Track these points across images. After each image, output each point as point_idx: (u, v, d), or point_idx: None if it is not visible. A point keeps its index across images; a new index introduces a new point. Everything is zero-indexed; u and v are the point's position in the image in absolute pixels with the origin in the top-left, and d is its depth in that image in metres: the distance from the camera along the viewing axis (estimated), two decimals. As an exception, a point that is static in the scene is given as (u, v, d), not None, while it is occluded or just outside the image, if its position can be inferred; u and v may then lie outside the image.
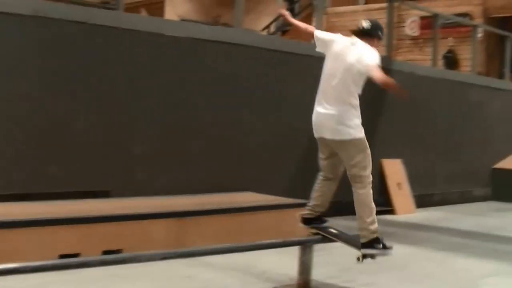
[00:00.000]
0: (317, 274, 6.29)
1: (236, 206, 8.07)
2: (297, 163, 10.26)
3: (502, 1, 18.32)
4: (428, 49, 14.20)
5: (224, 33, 9.40)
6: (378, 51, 6.15)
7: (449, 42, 17.72)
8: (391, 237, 9.36)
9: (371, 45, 6.20)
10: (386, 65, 11.82)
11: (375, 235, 6.07)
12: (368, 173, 6.06)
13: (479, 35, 16.74)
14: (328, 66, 6.18)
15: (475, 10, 18.44)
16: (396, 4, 14.08)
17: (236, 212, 7.91)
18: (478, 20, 17.71)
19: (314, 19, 11.12)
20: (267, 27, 17.12)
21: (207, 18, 17.97)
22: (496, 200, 14.43)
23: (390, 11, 12.30)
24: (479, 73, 16.09)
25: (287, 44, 10.64)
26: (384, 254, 6.14)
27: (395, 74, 12.00)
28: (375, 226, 6.06)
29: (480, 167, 14.65)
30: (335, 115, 5.93)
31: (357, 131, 5.97)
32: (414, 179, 12.17)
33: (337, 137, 5.96)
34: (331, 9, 19.82)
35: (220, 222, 7.67)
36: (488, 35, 17.80)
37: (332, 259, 7.37)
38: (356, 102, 6.03)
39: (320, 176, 6.33)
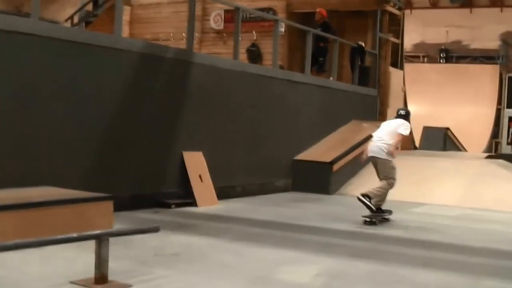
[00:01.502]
0: (114, 267, 6.27)
1: (32, 201, 7.80)
2: (92, 156, 10.13)
3: (304, -4, 18.95)
4: (232, 43, 14.39)
5: (19, 23, 9.04)
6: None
7: (253, 36, 18.15)
8: (191, 229, 9.49)
9: None
10: (186, 58, 11.97)
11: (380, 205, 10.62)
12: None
13: (281, 29, 17.22)
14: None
15: (279, 5, 19.03)
16: (199, -3, 14.23)
17: (33, 207, 7.66)
18: (282, 15, 18.23)
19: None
20: (71, 17, 16.77)
21: (10, 7, 17.38)
22: (296, 190, 14.92)
23: (192, 3, 12.36)
24: (281, 67, 16.52)
25: (88, 36, 10.43)
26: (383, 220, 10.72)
27: (196, 67, 12.13)
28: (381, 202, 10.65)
29: (281, 159, 15.04)
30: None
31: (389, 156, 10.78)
32: (215, 171, 12.32)
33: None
34: (135, 1, 19.80)
35: (16, 217, 7.39)
36: (290, 30, 18.36)
37: (130, 253, 7.37)
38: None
39: None
